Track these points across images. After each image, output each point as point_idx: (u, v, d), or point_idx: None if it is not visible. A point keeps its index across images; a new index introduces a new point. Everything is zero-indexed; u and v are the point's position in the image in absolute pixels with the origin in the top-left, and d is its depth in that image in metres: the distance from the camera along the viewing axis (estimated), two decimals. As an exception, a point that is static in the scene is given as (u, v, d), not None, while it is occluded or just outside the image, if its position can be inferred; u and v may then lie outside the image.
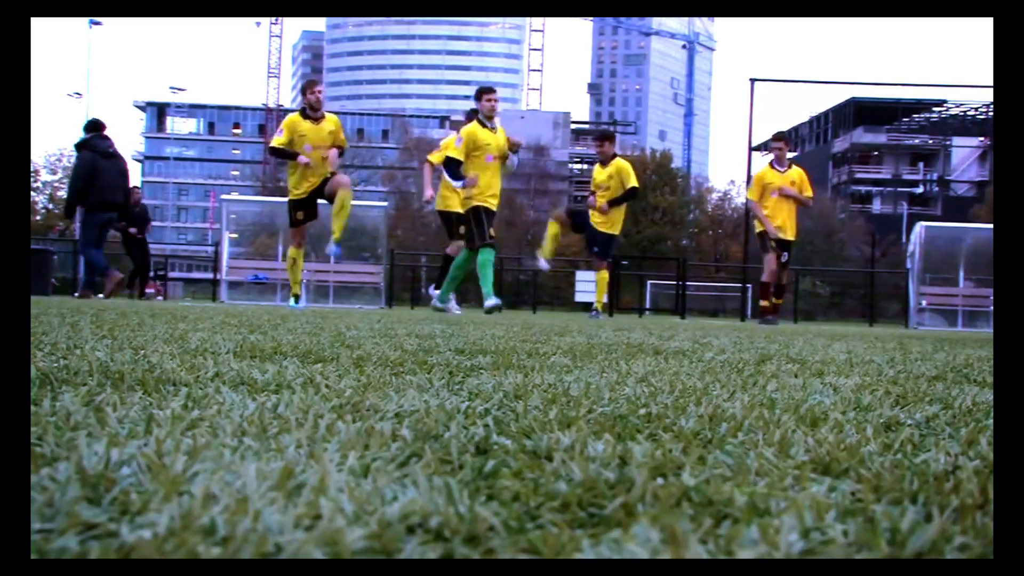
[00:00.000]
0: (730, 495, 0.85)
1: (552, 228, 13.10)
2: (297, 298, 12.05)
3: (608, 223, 12.73)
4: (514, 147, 11.37)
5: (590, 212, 12.89)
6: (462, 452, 1.05)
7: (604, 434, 1.20)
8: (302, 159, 11.33)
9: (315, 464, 0.91)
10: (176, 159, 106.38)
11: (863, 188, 69.00)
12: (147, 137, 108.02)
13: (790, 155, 12.70)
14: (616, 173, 12.63)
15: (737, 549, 0.67)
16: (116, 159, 13.44)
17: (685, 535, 0.68)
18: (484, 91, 11.63)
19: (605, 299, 13.64)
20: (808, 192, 12.91)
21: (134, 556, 0.60)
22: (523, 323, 6.49)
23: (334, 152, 11.62)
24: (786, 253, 12.76)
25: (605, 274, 13.18)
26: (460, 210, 11.83)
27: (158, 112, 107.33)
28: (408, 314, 9.83)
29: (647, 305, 28.06)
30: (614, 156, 12.83)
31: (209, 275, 30.47)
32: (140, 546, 0.62)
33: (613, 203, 12.64)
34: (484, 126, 11.23)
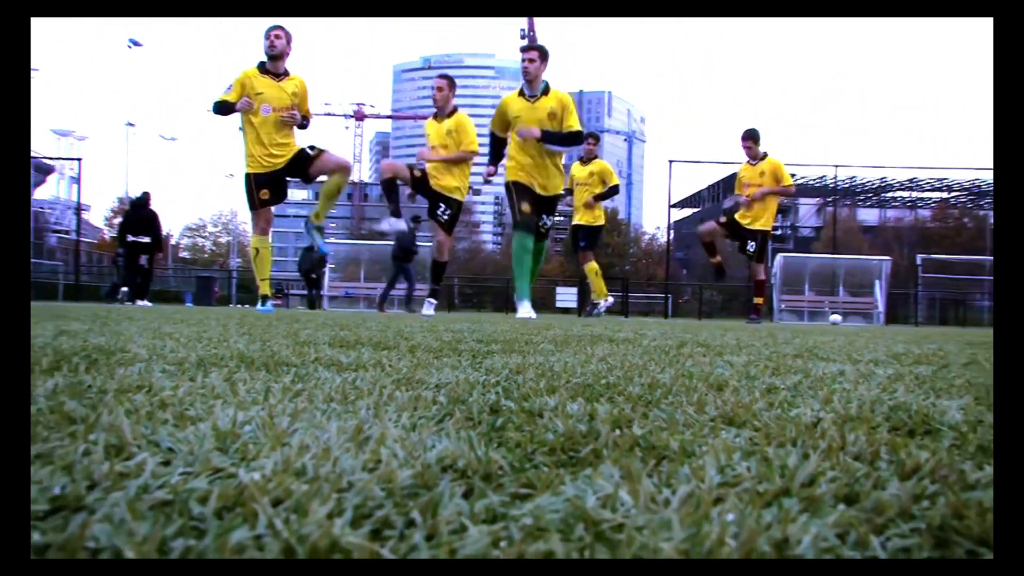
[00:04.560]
0: (667, 442, 0.81)
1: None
2: (265, 299, 7.16)
3: (593, 216, 9.53)
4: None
5: (573, 210, 9.58)
6: (480, 412, 1.00)
7: (578, 398, 1.16)
8: (242, 103, 6.60)
9: (379, 422, 0.87)
10: (295, 217, 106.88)
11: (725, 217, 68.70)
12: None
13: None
14: (599, 172, 9.39)
15: (675, 483, 0.62)
16: None
17: (638, 472, 0.63)
18: (521, 51, 7.00)
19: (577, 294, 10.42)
20: (785, 180, 9.26)
21: (248, 495, 0.55)
22: (520, 322, 6.43)
23: (296, 116, 6.80)
24: (752, 243, 9.26)
25: (594, 264, 9.60)
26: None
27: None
28: (446, 316, 9.75)
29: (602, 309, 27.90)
30: (595, 156, 9.52)
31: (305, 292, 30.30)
32: (251, 485, 0.57)
33: (599, 198, 9.41)
34: (522, 94, 6.84)
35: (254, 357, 1.76)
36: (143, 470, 0.62)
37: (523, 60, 6.73)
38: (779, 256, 17.47)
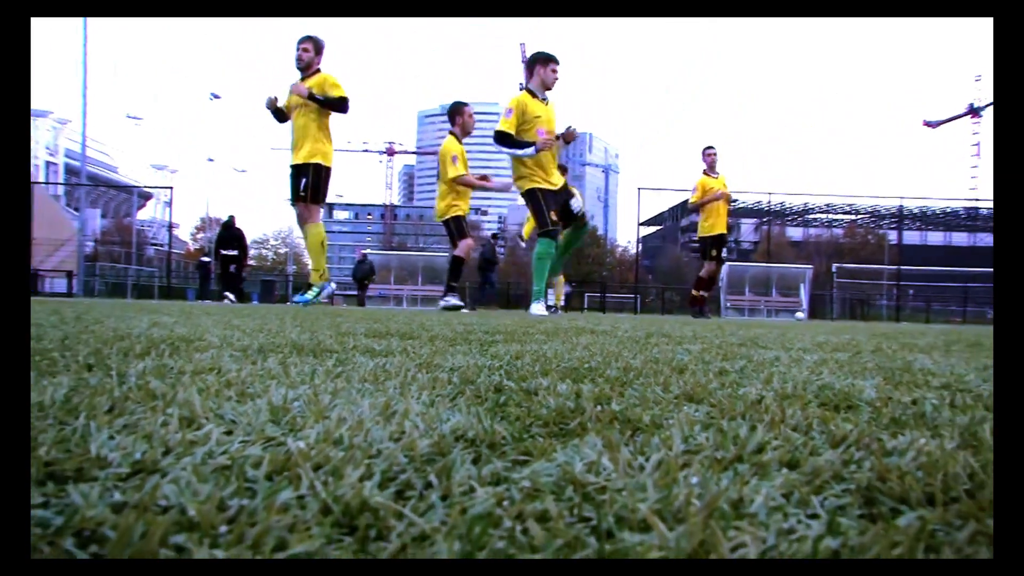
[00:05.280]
0: (640, 416, 0.78)
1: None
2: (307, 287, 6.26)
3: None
4: (568, 137, 5.76)
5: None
6: (487, 391, 0.98)
7: (566, 379, 1.13)
8: (297, 87, 5.87)
9: (403, 399, 0.84)
10: (339, 232, 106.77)
11: (695, 244, 68.44)
12: (326, 221, 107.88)
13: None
14: None
15: (648, 451, 0.60)
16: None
17: (617, 443, 0.60)
18: (548, 59, 5.68)
19: (563, 300, 9.56)
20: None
21: (293, 461, 0.52)
22: (517, 317, 6.38)
23: (301, 86, 5.83)
24: (725, 250, 8.77)
25: (560, 278, 9.12)
26: (462, 214, 6.50)
27: (329, 208, 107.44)
28: (458, 312, 9.64)
29: (585, 306, 27.83)
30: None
31: (356, 292, 30.25)
32: (297, 452, 0.54)
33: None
34: (535, 96, 5.70)
35: (304, 345, 1.73)
36: (209, 439, 0.59)
37: (556, 72, 5.74)
38: (725, 265, 17.53)
